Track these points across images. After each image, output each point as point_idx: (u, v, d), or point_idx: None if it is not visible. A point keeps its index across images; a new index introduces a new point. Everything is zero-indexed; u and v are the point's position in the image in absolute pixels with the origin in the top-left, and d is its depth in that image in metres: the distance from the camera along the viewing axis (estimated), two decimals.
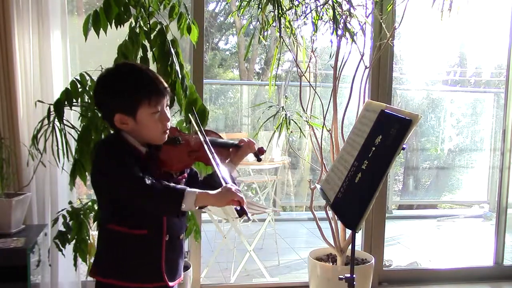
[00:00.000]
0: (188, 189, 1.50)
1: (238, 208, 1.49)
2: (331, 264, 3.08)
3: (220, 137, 1.81)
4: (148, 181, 1.49)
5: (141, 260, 1.64)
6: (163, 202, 1.52)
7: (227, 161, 1.76)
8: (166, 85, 1.63)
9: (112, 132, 1.68)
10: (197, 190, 1.51)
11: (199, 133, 1.68)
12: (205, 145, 1.63)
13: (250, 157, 1.83)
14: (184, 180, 1.73)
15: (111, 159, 1.56)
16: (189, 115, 1.77)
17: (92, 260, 2.52)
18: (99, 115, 2.31)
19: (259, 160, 1.80)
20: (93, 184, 1.66)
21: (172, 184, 1.53)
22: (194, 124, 1.70)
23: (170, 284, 1.68)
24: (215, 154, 1.62)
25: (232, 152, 1.78)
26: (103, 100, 1.63)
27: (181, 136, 1.69)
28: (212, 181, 1.64)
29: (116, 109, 1.58)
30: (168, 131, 1.65)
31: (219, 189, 1.51)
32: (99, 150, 1.63)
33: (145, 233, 1.62)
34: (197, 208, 1.53)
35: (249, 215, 1.53)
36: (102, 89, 1.63)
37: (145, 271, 1.64)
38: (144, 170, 1.54)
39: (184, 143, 1.68)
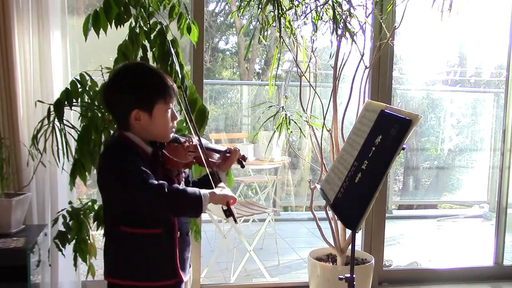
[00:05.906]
0: (202, 192, 1.57)
1: (225, 208, 1.61)
2: (331, 264, 3.08)
3: (211, 143, 1.91)
4: (166, 190, 1.52)
5: (157, 258, 1.67)
6: (185, 210, 1.60)
7: (215, 166, 1.83)
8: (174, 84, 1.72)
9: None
10: (206, 191, 1.58)
11: (193, 134, 1.78)
12: (199, 146, 1.73)
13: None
14: (183, 179, 1.78)
15: (127, 169, 1.56)
16: (185, 115, 1.85)
17: (92, 260, 2.54)
18: (99, 115, 2.31)
19: (242, 166, 1.90)
20: (103, 186, 1.67)
21: (189, 190, 1.57)
22: (190, 126, 1.79)
23: (184, 279, 1.74)
24: (207, 156, 1.73)
25: (221, 158, 1.86)
26: (119, 97, 1.65)
27: (178, 137, 1.78)
28: (205, 183, 1.72)
29: (134, 105, 1.62)
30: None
31: (218, 187, 1.63)
32: (111, 156, 1.64)
33: (159, 232, 1.66)
34: None
35: (236, 217, 1.62)
36: (119, 86, 1.66)
37: (163, 269, 1.68)
38: (150, 169, 1.59)
39: (183, 142, 1.77)
